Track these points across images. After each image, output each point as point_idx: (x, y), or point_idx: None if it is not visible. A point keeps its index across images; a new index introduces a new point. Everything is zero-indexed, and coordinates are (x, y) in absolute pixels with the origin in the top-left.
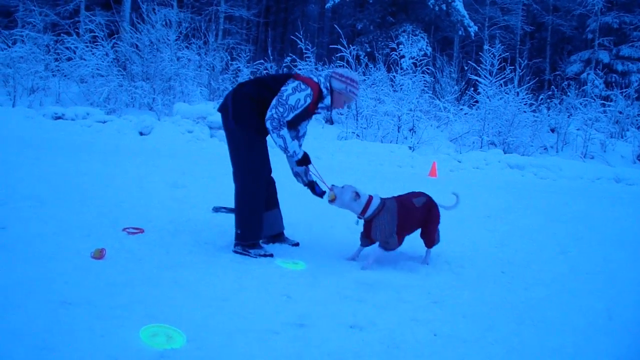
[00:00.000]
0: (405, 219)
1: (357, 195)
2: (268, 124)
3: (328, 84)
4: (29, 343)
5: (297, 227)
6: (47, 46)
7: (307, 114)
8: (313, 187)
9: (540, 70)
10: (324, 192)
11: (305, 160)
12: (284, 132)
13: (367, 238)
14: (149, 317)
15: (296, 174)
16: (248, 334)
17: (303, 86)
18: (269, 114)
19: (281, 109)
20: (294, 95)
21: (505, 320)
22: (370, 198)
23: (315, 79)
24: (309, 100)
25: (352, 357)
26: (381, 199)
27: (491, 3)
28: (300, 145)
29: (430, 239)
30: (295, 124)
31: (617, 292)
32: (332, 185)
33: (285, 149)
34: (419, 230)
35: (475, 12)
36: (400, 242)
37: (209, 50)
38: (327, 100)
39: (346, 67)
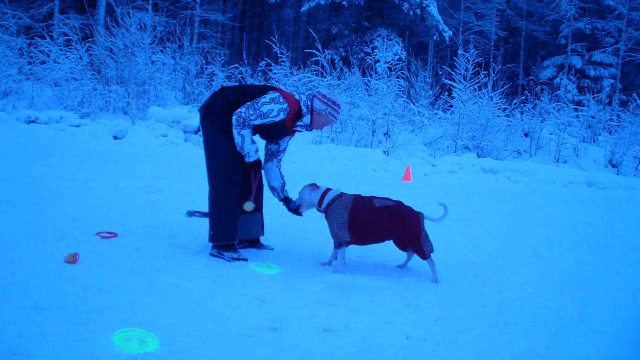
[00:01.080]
0: (359, 216)
1: (315, 186)
2: (233, 119)
3: (309, 103)
4: (2, 348)
5: (272, 232)
6: (20, 49)
7: (284, 130)
8: (288, 202)
9: (514, 75)
10: (298, 209)
11: (252, 165)
12: (246, 132)
13: None
14: (123, 322)
15: (272, 188)
16: (222, 338)
17: (281, 100)
18: (237, 110)
19: (251, 111)
20: (268, 105)
21: (477, 323)
22: (327, 190)
23: (297, 97)
24: (282, 115)
25: None
26: (340, 192)
27: (465, 8)
28: (279, 160)
29: (419, 249)
30: (271, 137)
31: (589, 294)
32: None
33: (241, 148)
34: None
35: (449, 17)
36: (352, 239)
37: (183, 54)
38: (307, 119)
39: (331, 89)
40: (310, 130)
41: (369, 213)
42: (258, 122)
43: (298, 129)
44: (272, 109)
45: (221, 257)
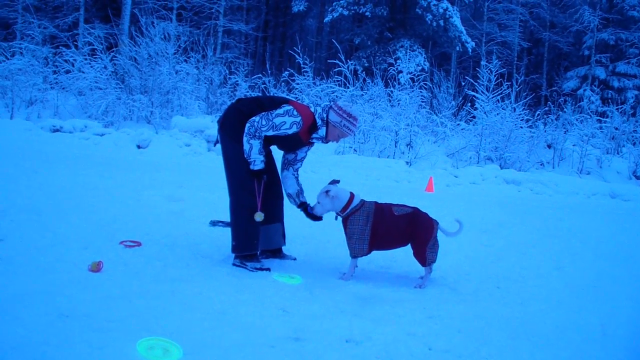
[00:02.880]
0: (380, 225)
1: (327, 193)
2: (246, 127)
3: (325, 115)
4: (27, 355)
5: (294, 242)
6: (45, 59)
7: (299, 142)
8: (305, 208)
9: (537, 86)
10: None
11: (256, 174)
12: (255, 142)
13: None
14: (146, 330)
15: (289, 195)
16: (244, 347)
17: (295, 113)
18: (252, 118)
19: (264, 122)
20: (282, 117)
21: (500, 335)
22: (352, 196)
23: (312, 109)
24: (295, 129)
25: None
26: (361, 199)
27: (488, 19)
28: (297, 170)
29: (421, 256)
30: (287, 149)
31: (612, 307)
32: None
33: (248, 156)
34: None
35: (472, 27)
36: (369, 250)
37: (207, 64)
38: (322, 132)
39: (348, 102)
40: (326, 143)
41: (388, 223)
42: (270, 133)
43: (314, 140)
44: (284, 121)
45: (244, 267)
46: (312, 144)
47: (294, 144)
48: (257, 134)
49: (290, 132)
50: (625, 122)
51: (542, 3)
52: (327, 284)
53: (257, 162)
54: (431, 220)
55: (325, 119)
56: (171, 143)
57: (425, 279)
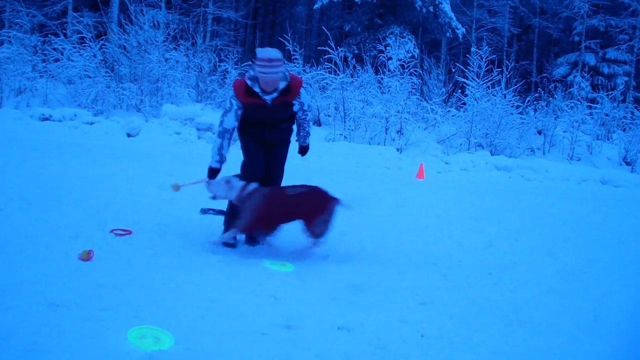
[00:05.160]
0: (272, 205)
1: (228, 182)
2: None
3: (252, 72)
4: (17, 345)
5: (285, 229)
6: (34, 47)
7: (253, 106)
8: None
9: (527, 73)
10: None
11: (210, 172)
12: (217, 140)
13: None
14: (137, 319)
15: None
16: (236, 335)
17: (232, 90)
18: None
19: (222, 112)
20: (228, 99)
21: (492, 321)
22: (246, 185)
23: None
24: (234, 102)
25: (340, 358)
26: (258, 187)
27: (478, 5)
28: (300, 118)
29: (311, 230)
30: (254, 117)
31: (603, 293)
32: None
33: (212, 152)
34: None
35: (462, 14)
36: (270, 228)
37: (197, 51)
38: (257, 88)
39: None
40: (270, 95)
41: (281, 202)
42: (230, 116)
43: (265, 97)
44: (226, 100)
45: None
46: (281, 101)
47: (255, 110)
48: (221, 129)
49: (235, 104)
50: (615, 108)
51: None
52: (319, 271)
53: (212, 160)
54: (327, 198)
55: (252, 76)
56: (161, 131)
57: (310, 248)
